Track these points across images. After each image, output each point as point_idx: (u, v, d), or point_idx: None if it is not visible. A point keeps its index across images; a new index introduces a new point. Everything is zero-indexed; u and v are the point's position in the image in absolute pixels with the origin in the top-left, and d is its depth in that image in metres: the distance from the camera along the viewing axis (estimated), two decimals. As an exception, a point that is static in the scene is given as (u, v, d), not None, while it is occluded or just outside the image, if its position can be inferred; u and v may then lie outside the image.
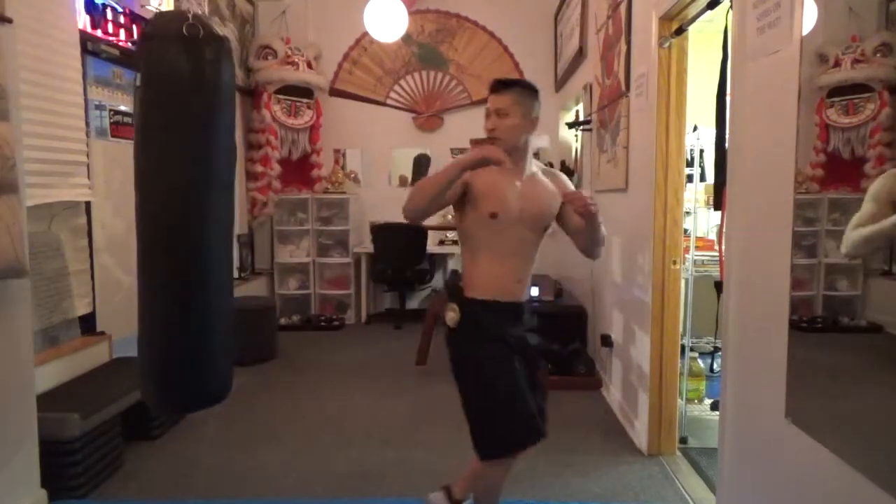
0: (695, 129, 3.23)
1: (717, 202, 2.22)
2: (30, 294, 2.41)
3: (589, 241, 2.04)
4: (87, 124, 3.21)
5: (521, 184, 2.00)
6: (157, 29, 1.74)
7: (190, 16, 1.72)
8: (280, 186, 5.79)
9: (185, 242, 1.80)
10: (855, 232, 1.38)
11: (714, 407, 3.39)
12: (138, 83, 1.74)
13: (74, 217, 3.09)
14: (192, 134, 1.76)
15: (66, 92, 2.91)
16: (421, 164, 6.23)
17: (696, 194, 3.30)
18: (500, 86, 2.00)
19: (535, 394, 2.02)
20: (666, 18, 2.80)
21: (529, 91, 2.01)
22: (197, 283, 1.83)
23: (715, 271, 3.09)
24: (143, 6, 3.69)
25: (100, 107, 3.44)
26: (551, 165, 5.92)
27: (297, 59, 5.69)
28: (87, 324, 3.20)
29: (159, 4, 3.76)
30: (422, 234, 5.56)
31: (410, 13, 5.29)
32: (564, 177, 2.15)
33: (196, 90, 1.74)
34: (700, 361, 3.61)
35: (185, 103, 1.74)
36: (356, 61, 6.14)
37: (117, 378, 2.99)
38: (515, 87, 1.99)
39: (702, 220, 3.86)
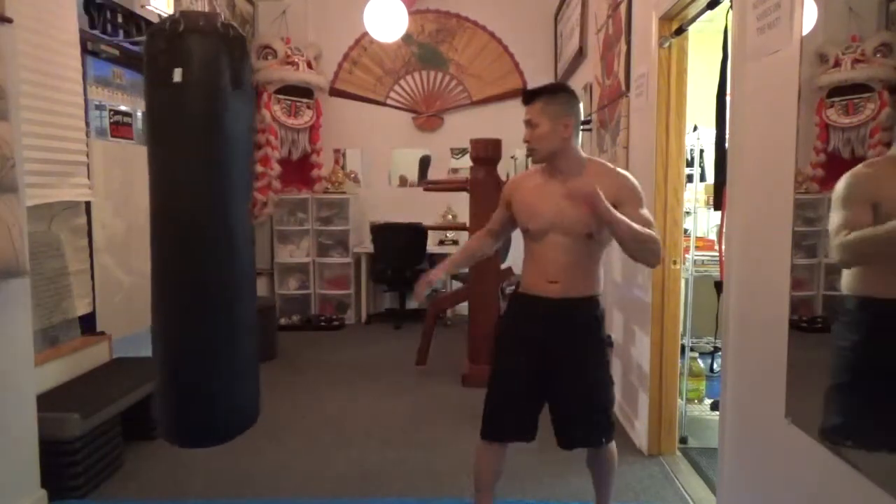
0: (695, 129, 3.23)
1: (717, 202, 2.22)
2: (30, 294, 2.41)
3: (622, 244, 1.92)
4: (87, 124, 3.21)
5: (564, 189, 1.93)
6: (190, 27, 1.71)
7: (221, 15, 1.72)
8: (280, 186, 5.78)
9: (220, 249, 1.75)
10: (849, 237, 1.37)
11: (714, 407, 3.39)
12: (174, 78, 1.69)
13: (74, 217, 3.09)
14: (218, 135, 1.73)
15: (66, 92, 2.91)
16: (424, 164, 6.25)
17: (696, 194, 3.30)
18: (526, 97, 2.04)
19: (558, 397, 2.07)
20: (666, 18, 2.80)
21: (555, 95, 2.00)
22: (233, 295, 1.77)
23: (715, 271, 3.09)
24: (143, 6, 3.69)
25: (100, 107, 3.44)
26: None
27: (297, 59, 5.68)
28: (87, 324, 3.20)
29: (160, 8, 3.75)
30: (422, 234, 5.57)
31: (410, 13, 5.29)
32: (624, 178, 1.99)
33: (231, 90, 1.72)
34: (700, 361, 3.61)
35: (217, 97, 1.71)
36: (356, 61, 6.14)
37: (117, 378, 3.00)
38: (541, 96, 2.00)
39: (702, 220, 3.86)
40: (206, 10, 1.83)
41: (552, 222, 1.98)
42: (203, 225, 1.74)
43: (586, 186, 1.83)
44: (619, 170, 2.04)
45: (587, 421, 2.06)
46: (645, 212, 1.96)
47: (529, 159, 2.14)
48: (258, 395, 1.98)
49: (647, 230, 1.88)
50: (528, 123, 2.00)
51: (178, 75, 1.67)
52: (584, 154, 2.06)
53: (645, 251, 1.91)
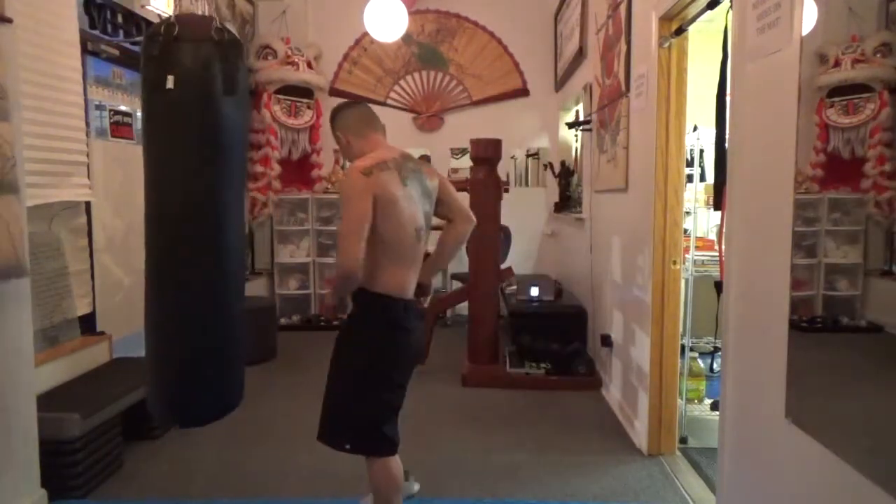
0: (695, 129, 3.23)
1: (717, 202, 2.22)
2: (30, 294, 2.41)
3: None
4: (87, 124, 3.21)
5: None
6: (184, 31, 1.72)
7: (216, 19, 1.72)
8: (280, 186, 5.79)
9: (209, 247, 1.79)
10: None
11: (714, 407, 3.39)
12: (166, 85, 1.71)
13: (74, 217, 3.09)
14: (214, 135, 1.75)
15: (66, 92, 2.91)
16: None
17: (696, 194, 3.30)
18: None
19: None
20: (666, 18, 2.80)
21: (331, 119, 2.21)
22: (221, 291, 1.84)
23: (715, 271, 3.09)
24: (143, 6, 3.69)
25: (100, 107, 3.44)
26: (551, 165, 5.96)
27: (297, 59, 5.69)
28: (87, 324, 3.20)
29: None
30: (422, 234, 5.55)
31: (410, 13, 5.28)
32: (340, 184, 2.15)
33: (221, 92, 1.73)
34: (700, 361, 3.61)
35: (209, 105, 1.73)
36: (356, 61, 6.14)
37: (117, 378, 3.00)
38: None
39: (702, 220, 3.86)
40: (207, 10, 1.82)
41: None
42: (193, 227, 1.77)
43: None
44: (346, 168, 2.07)
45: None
46: (342, 216, 1.96)
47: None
48: (242, 384, 2.05)
49: (335, 280, 2.11)
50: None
51: (170, 82, 1.69)
52: (362, 154, 2.09)
53: (345, 283, 1.98)
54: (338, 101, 6.24)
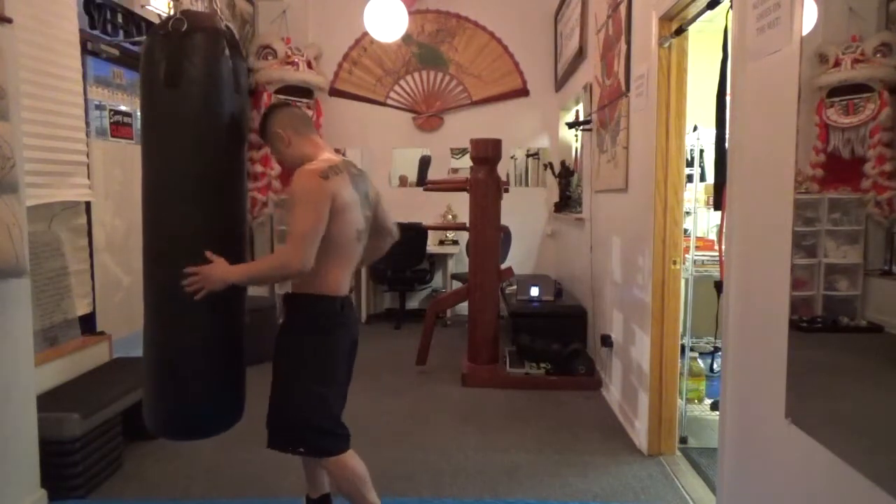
0: (695, 129, 3.23)
1: (717, 202, 2.22)
2: (30, 294, 2.41)
3: None
4: (87, 124, 3.21)
5: None
6: (184, 27, 1.72)
7: (219, 14, 1.73)
8: (280, 186, 5.78)
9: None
10: None
11: (714, 407, 3.39)
12: (164, 83, 1.71)
13: (74, 217, 3.09)
14: (215, 132, 1.76)
15: (66, 92, 2.91)
16: (424, 164, 6.24)
17: (696, 194, 3.30)
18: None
19: None
20: (666, 18, 2.80)
21: (262, 122, 2.11)
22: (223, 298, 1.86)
23: (715, 271, 3.09)
24: (143, 6, 3.69)
25: (100, 107, 3.44)
26: (551, 165, 5.96)
27: (297, 59, 5.68)
28: (87, 324, 3.19)
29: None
30: (422, 234, 5.56)
31: (410, 13, 5.29)
32: (293, 181, 1.97)
33: (222, 89, 1.74)
34: (700, 361, 3.61)
35: (208, 101, 1.73)
36: (356, 61, 6.14)
37: (117, 378, 2.99)
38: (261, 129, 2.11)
39: (702, 220, 3.86)
40: (207, 10, 1.83)
41: None
42: (188, 230, 1.79)
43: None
44: (299, 170, 1.97)
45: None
46: (295, 218, 1.88)
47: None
48: (243, 397, 2.06)
49: (257, 267, 2.02)
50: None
51: (163, 80, 1.70)
52: (306, 156, 2.05)
53: (272, 279, 2.02)
54: (338, 101, 6.30)
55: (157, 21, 3.49)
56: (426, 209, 5.89)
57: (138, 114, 3.75)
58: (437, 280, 6.26)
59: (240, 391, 2.05)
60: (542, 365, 4.13)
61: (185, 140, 1.79)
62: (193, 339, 1.88)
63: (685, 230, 3.14)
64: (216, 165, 1.85)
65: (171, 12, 1.77)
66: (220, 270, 1.85)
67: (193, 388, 1.90)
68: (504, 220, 4.51)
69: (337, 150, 6.17)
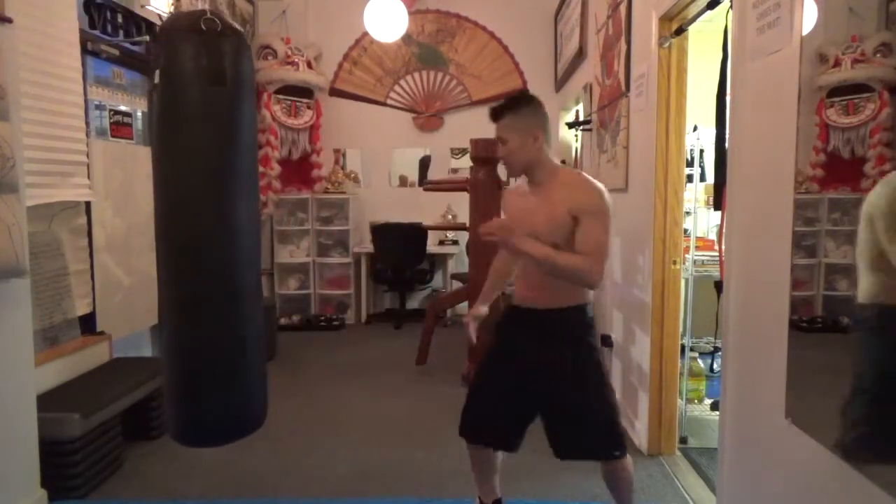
0: (695, 129, 3.23)
1: (717, 202, 2.22)
2: (30, 294, 2.41)
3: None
4: (87, 124, 3.21)
5: (535, 200, 1.99)
6: (177, 25, 1.72)
7: (208, 11, 1.72)
8: (280, 186, 5.79)
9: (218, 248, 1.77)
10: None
11: (714, 407, 3.39)
12: (158, 82, 1.70)
13: (74, 217, 3.09)
14: (218, 131, 1.74)
15: (66, 92, 2.91)
16: (424, 164, 6.25)
17: (696, 194, 3.30)
18: (492, 114, 2.02)
19: (546, 409, 2.04)
20: (666, 18, 2.80)
21: (518, 109, 1.98)
22: (233, 295, 1.78)
23: (715, 271, 3.09)
24: (143, 6, 3.69)
25: (100, 107, 3.44)
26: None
27: (297, 59, 5.69)
28: (87, 324, 3.20)
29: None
30: (422, 234, 5.57)
31: (410, 13, 5.29)
32: (588, 193, 1.92)
33: (219, 86, 1.72)
34: (700, 361, 3.61)
35: (208, 99, 1.72)
36: (356, 61, 6.14)
37: (117, 378, 3.00)
38: (506, 112, 1.99)
39: (702, 220, 3.86)
40: (207, 9, 1.82)
41: (523, 233, 1.95)
42: (207, 228, 1.75)
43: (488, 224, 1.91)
44: (589, 183, 1.96)
45: (576, 433, 2.02)
46: (597, 232, 1.89)
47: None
48: (265, 401, 2.01)
49: (571, 262, 1.87)
50: (500, 140, 2.01)
51: (157, 77, 1.69)
52: (557, 162, 2.06)
53: (569, 279, 1.94)
54: (338, 101, 6.30)
55: (157, 21, 3.50)
56: (426, 209, 5.89)
57: (139, 114, 3.75)
58: (437, 280, 6.26)
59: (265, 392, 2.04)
60: (543, 365, 4.12)
61: (229, 138, 1.76)
62: (228, 340, 1.83)
63: (685, 230, 3.14)
64: (251, 163, 1.83)
65: (173, 11, 1.77)
66: (523, 235, 1.86)
67: (235, 388, 1.88)
68: (504, 220, 4.50)
69: (337, 151, 6.20)
